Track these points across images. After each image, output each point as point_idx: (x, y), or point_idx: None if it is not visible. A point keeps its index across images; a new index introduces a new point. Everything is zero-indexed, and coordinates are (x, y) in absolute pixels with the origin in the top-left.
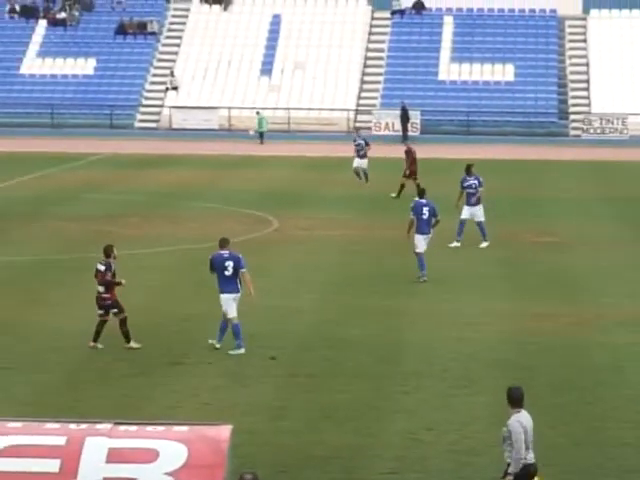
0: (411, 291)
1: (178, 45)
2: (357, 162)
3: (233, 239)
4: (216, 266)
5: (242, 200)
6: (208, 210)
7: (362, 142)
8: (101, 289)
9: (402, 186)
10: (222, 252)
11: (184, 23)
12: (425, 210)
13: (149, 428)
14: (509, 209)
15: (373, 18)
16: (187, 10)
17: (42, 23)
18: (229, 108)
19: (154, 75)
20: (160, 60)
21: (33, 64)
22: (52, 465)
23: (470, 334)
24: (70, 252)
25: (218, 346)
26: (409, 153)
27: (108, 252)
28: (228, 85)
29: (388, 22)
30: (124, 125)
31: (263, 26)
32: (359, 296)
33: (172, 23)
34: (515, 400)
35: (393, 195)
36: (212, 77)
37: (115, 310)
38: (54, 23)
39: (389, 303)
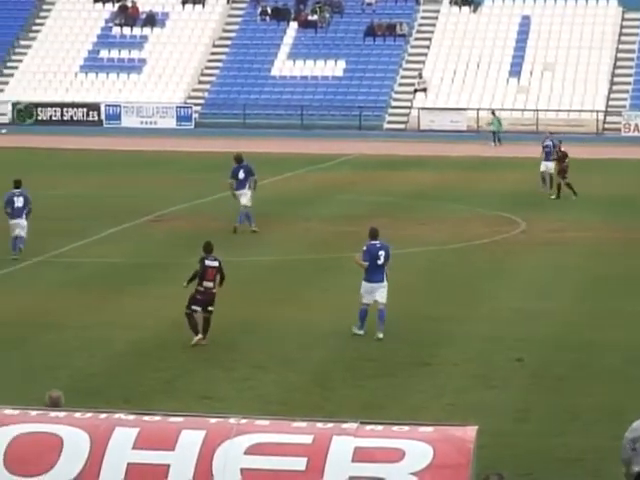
0: None
1: (427, 47)
2: (544, 165)
3: (479, 241)
4: (370, 256)
5: (489, 201)
6: (455, 211)
7: (550, 144)
8: (211, 285)
9: (567, 185)
10: (374, 242)
11: (433, 25)
12: None
13: (395, 428)
14: None
15: (623, 19)
16: (437, 12)
17: (293, 25)
18: (477, 110)
19: (403, 77)
20: (409, 62)
21: (284, 66)
22: (299, 463)
23: None
24: (319, 252)
25: (361, 332)
26: (562, 152)
27: (212, 248)
28: (476, 86)
29: (639, 23)
30: (373, 126)
31: (512, 27)
32: (609, 298)
33: (421, 25)
34: None
35: (552, 197)
36: (460, 78)
37: (212, 308)
38: (305, 25)
39: None
